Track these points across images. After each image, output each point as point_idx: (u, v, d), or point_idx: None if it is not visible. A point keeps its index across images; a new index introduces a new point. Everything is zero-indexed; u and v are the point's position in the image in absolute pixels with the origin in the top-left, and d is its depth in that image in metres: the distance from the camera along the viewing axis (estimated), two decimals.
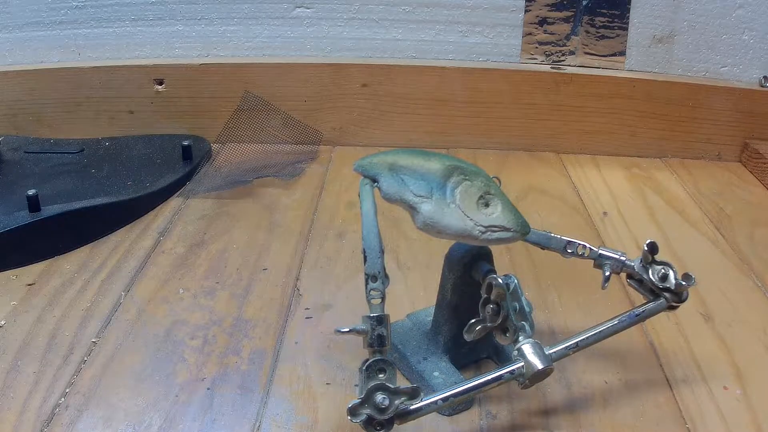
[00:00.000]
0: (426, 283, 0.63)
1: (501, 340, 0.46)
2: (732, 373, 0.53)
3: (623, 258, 0.51)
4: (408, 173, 0.46)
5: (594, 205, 0.80)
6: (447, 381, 0.49)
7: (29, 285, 0.63)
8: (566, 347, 0.47)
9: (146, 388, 0.50)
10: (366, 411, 0.40)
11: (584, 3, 0.89)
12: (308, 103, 0.92)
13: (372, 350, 0.41)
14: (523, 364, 0.44)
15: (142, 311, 0.59)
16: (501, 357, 0.53)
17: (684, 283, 0.48)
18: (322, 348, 0.55)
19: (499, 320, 0.45)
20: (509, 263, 0.67)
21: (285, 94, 0.91)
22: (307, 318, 0.59)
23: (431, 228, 0.45)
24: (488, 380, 0.44)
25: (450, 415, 0.48)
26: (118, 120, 0.93)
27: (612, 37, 0.91)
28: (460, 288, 0.50)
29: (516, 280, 0.45)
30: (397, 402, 0.41)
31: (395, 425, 0.42)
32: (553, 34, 0.91)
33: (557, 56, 0.92)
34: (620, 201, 0.81)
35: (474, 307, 0.47)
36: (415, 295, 0.62)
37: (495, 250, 0.50)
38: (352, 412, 0.40)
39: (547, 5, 0.90)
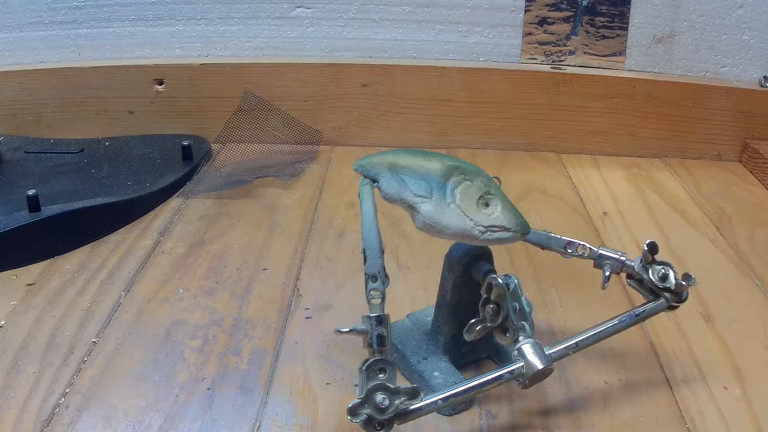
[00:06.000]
0: (426, 283, 0.63)
1: (501, 340, 0.46)
2: (732, 373, 0.53)
3: (623, 258, 0.51)
4: (408, 173, 0.46)
5: (594, 205, 0.80)
6: (447, 381, 0.49)
7: (29, 285, 0.63)
8: (566, 347, 0.47)
9: (146, 388, 0.50)
10: (366, 411, 0.40)
11: (584, 3, 0.89)
12: (308, 103, 0.92)
13: (372, 350, 0.41)
14: (523, 364, 0.44)
15: (142, 311, 0.59)
16: (501, 357, 0.53)
17: (684, 283, 0.48)
18: (322, 348, 0.55)
19: (499, 320, 0.45)
20: (509, 263, 0.67)
21: (285, 94, 0.92)
22: (307, 318, 0.59)
23: (431, 228, 0.45)
24: (488, 380, 0.44)
25: (450, 415, 0.48)
26: (118, 120, 0.93)
27: (612, 37, 0.91)
28: (460, 288, 0.50)
29: (516, 280, 0.45)
30: (397, 402, 0.41)
31: (395, 425, 0.42)
32: (553, 34, 0.91)
33: (557, 56, 0.92)
34: (620, 201, 0.81)
35: (474, 307, 0.47)
36: (415, 295, 0.62)
37: (495, 250, 0.50)
38: (352, 412, 0.40)
39: (547, 5, 0.90)
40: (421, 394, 0.42)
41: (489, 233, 0.45)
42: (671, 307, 0.50)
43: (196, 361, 0.53)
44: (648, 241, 0.49)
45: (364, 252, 0.42)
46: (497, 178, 0.48)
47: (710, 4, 0.88)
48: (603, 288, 0.51)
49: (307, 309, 0.60)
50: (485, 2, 0.90)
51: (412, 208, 0.46)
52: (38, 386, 0.50)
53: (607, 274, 0.52)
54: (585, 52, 0.92)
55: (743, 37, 0.90)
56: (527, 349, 0.44)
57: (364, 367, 0.41)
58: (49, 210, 0.67)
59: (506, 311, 0.45)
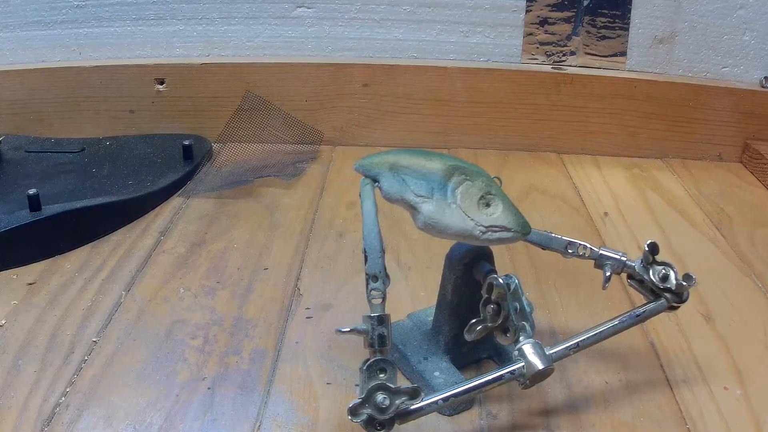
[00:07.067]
0: (427, 283, 0.63)
1: (501, 340, 0.46)
2: (732, 374, 0.53)
3: (624, 258, 0.51)
4: (409, 173, 0.46)
5: (595, 206, 0.80)
6: (447, 381, 0.49)
7: (30, 284, 0.63)
8: (567, 347, 0.47)
9: (147, 387, 0.50)
10: (367, 411, 0.40)
11: (585, 3, 0.89)
12: (309, 103, 0.93)
13: (372, 350, 0.41)
14: (523, 364, 0.44)
15: (143, 311, 0.59)
16: (501, 357, 0.53)
17: (684, 283, 0.48)
18: (322, 348, 0.55)
19: (500, 320, 0.45)
20: (510, 263, 0.67)
21: (286, 93, 0.92)
22: (307, 318, 0.59)
23: (432, 228, 0.45)
24: (489, 380, 0.44)
25: (450, 415, 0.48)
26: (118, 119, 0.93)
27: (613, 38, 0.91)
28: (460, 288, 0.50)
29: (517, 280, 0.45)
30: (397, 402, 0.41)
31: (396, 425, 0.42)
32: (554, 34, 0.91)
33: (558, 56, 0.92)
34: (621, 201, 0.81)
35: (475, 307, 0.47)
36: (416, 295, 0.62)
37: (496, 250, 0.50)
38: (353, 411, 0.40)
39: (548, 5, 0.90)
40: (422, 394, 0.42)
41: (490, 233, 0.45)
42: (672, 308, 0.50)
43: (197, 360, 0.53)
44: (649, 242, 0.49)
45: (364, 252, 0.42)
46: (498, 179, 0.48)
47: (711, 5, 0.88)
48: (604, 288, 0.51)
49: (308, 309, 0.60)
50: (486, 2, 0.90)
51: (413, 208, 0.46)
52: (39, 385, 0.50)
53: (608, 274, 0.52)
54: (586, 53, 0.92)
55: (744, 37, 0.90)
56: (528, 349, 0.44)
57: (364, 367, 0.41)
58: (49, 209, 0.67)
59: (507, 311, 0.45)
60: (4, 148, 0.85)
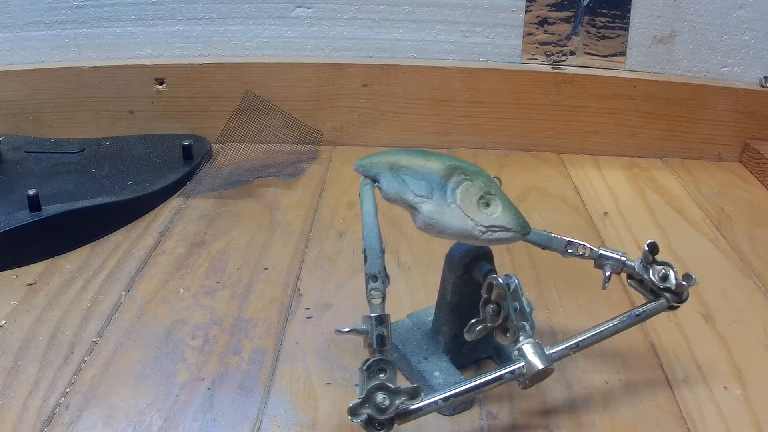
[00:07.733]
0: (426, 283, 0.63)
1: (501, 340, 0.46)
2: (732, 374, 0.53)
3: (624, 258, 0.51)
4: (408, 173, 0.46)
5: (594, 206, 0.80)
6: (447, 381, 0.49)
7: (30, 285, 0.63)
8: (567, 347, 0.47)
9: (147, 387, 0.50)
10: (366, 411, 0.40)
11: (585, 3, 0.89)
12: (309, 103, 0.92)
13: (372, 350, 0.41)
14: (523, 364, 0.44)
15: (143, 311, 0.59)
16: (501, 357, 0.53)
17: (684, 283, 0.48)
18: (322, 348, 0.55)
19: (500, 320, 0.45)
20: (510, 263, 0.67)
21: (285, 93, 0.92)
22: (307, 318, 0.59)
23: (432, 228, 0.45)
24: (489, 380, 0.44)
25: (450, 415, 0.48)
26: (118, 120, 0.93)
27: (612, 38, 0.91)
28: (460, 288, 0.50)
29: (516, 280, 0.45)
30: (397, 402, 0.41)
31: (396, 425, 0.42)
32: (553, 34, 0.91)
33: (558, 56, 0.92)
34: (621, 201, 0.81)
35: (474, 307, 0.47)
36: (416, 295, 0.62)
37: (495, 250, 0.50)
38: (353, 411, 0.40)
39: (548, 5, 0.90)
40: (422, 393, 0.42)
41: (489, 233, 0.45)
42: (672, 308, 0.50)
43: (197, 360, 0.53)
44: (648, 242, 0.49)
45: (364, 252, 0.42)
46: (498, 178, 0.48)
47: (711, 5, 0.88)
48: (603, 288, 0.51)
49: (308, 309, 0.60)
50: (486, 2, 0.90)
51: (412, 208, 0.46)
52: (38, 386, 0.50)
53: (608, 274, 0.52)
54: (585, 53, 0.92)
55: (744, 37, 0.90)
56: (528, 349, 0.44)
57: (364, 367, 0.40)
58: (49, 210, 0.67)
59: (507, 311, 0.45)
60: (3, 148, 0.85)
